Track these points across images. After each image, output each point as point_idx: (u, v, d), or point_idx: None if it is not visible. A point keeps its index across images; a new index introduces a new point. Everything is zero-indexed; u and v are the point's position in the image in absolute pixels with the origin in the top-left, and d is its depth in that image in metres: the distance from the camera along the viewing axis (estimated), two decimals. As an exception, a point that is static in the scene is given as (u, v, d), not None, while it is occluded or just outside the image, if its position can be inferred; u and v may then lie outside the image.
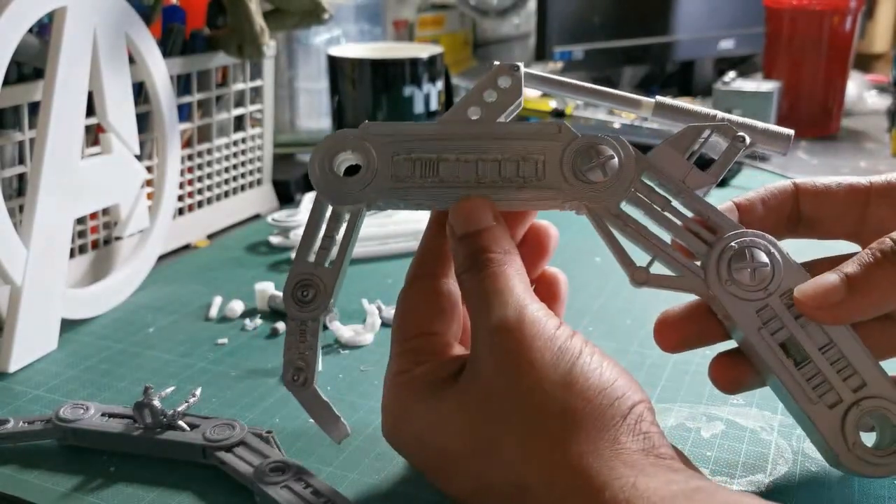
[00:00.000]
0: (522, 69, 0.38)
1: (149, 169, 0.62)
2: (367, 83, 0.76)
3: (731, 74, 1.02)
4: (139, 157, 0.59)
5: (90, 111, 0.54)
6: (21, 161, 0.53)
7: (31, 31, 0.50)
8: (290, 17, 0.71)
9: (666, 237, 0.36)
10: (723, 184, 0.80)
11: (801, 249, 0.38)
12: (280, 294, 0.56)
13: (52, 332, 0.51)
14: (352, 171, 0.37)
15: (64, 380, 0.48)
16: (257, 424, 0.42)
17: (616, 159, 0.36)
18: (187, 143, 0.69)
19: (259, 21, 0.67)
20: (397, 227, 0.67)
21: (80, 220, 0.57)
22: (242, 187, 0.76)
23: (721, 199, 0.38)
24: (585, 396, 0.31)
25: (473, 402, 0.33)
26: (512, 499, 0.31)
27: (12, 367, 0.48)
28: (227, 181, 0.74)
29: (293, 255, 0.38)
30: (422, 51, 0.79)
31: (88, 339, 0.53)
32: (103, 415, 0.41)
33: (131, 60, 0.57)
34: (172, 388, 0.43)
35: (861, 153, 0.99)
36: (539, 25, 1.10)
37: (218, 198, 0.73)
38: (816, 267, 0.36)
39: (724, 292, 0.35)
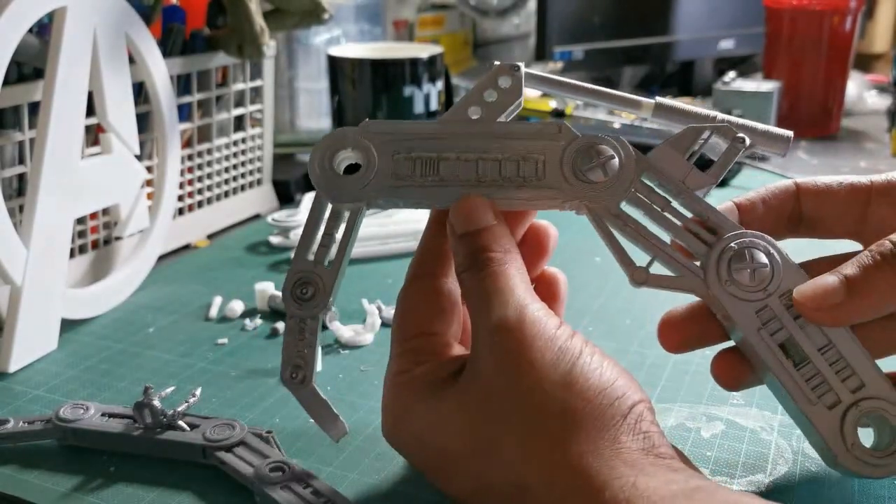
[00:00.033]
0: (523, 69, 0.38)
1: (149, 169, 0.62)
2: (367, 83, 0.76)
3: (731, 74, 1.02)
4: (139, 157, 0.59)
5: (90, 111, 0.54)
6: (21, 161, 0.53)
7: (31, 31, 0.50)
8: (290, 17, 0.71)
9: (665, 237, 0.36)
10: (723, 184, 0.80)
11: (801, 249, 0.38)
12: (280, 294, 0.56)
13: (52, 332, 0.51)
14: (352, 169, 0.37)
15: (64, 380, 0.48)
16: (257, 424, 0.42)
17: (616, 159, 0.36)
18: (187, 143, 0.69)
19: (259, 21, 0.67)
20: (397, 227, 0.67)
21: (80, 220, 0.57)
22: (242, 187, 0.76)
23: (721, 199, 0.38)
24: (585, 396, 0.31)
25: (473, 402, 0.33)
26: (512, 498, 0.32)
27: (12, 367, 0.48)
28: (227, 181, 0.74)
29: (293, 254, 0.38)
30: (422, 51, 0.79)
31: (88, 339, 0.53)
32: (103, 415, 0.41)
33: (131, 60, 0.57)
34: (172, 388, 0.43)
35: (861, 153, 0.99)
36: (539, 25, 1.10)
37: (218, 198, 0.73)
38: (816, 267, 0.36)
39: (724, 292, 0.35)
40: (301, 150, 0.92)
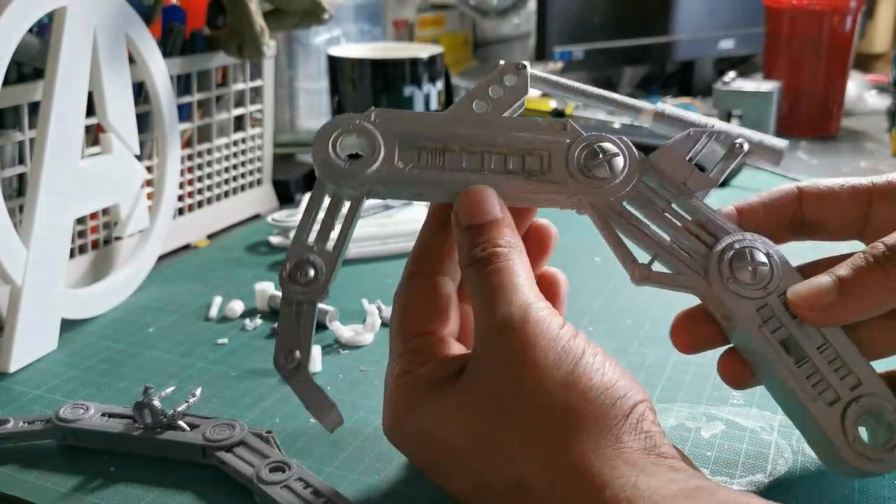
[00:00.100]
0: (529, 68, 0.39)
1: (149, 169, 0.62)
2: (367, 83, 0.76)
3: (731, 74, 1.02)
4: (139, 157, 0.59)
5: (90, 111, 0.54)
6: (21, 161, 0.53)
7: (31, 31, 0.50)
8: (290, 17, 0.71)
9: (666, 237, 0.36)
10: (723, 184, 0.80)
11: (802, 249, 0.39)
12: (280, 294, 0.56)
13: (52, 332, 0.51)
14: (355, 158, 0.37)
15: (64, 380, 0.48)
16: (257, 424, 0.42)
17: (620, 157, 0.36)
18: (187, 143, 0.69)
19: (259, 21, 0.67)
20: (397, 227, 0.67)
21: (80, 220, 0.57)
22: (242, 187, 0.76)
23: (722, 199, 0.38)
24: (588, 396, 0.31)
25: (475, 401, 0.33)
26: (513, 497, 0.32)
27: (12, 367, 0.48)
28: (227, 181, 0.74)
29: (291, 238, 0.37)
30: (422, 51, 0.79)
31: (88, 339, 0.53)
32: (103, 415, 0.41)
33: (131, 60, 0.57)
34: (172, 388, 0.43)
35: (861, 153, 0.99)
36: (539, 25, 1.10)
37: (218, 198, 0.73)
38: (816, 267, 0.36)
39: (726, 290, 0.35)
40: (301, 150, 0.92)
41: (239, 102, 0.73)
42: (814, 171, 0.91)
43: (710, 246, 0.36)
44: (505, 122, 0.37)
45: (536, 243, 0.40)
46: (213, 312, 0.56)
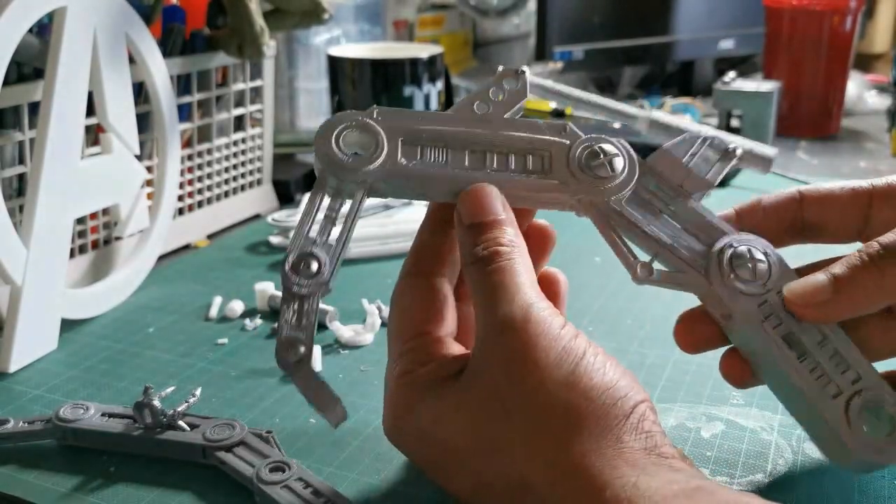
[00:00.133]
0: (528, 73, 0.39)
1: (149, 169, 0.62)
2: (367, 83, 0.76)
3: (731, 74, 1.02)
4: (139, 157, 0.59)
5: (90, 111, 0.54)
6: (21, 161, 0.53)
7: (31, 31, 0.50)
8: (290, 17, 0.71)
9: (666, 237, 0.37)
10: (723, 184, 0.80)
11: (802, 251, 0.39)
12: (280, 294, 0.56)
13: (52, 332, 0.51)
14: (357, 156, 0.37)
15: (64, 380, 0.48)
16: (257, 424, 0.42)
17: (620, 157, 0.37)
18: (187, 143, 0.69)
19: (259, 21, 0.67)
20: (397, 227, 0.67)
21: (80, 220, 0.57)
22: (242, 187, 0.76)
23: (721, 199, 0.38)
24: (589, 396, 0.31)
25: (476, 400, 0.33)
26: (513, 497, 0.32)
27: (12, 367, 0.48)
28: (227, 181, 0.74)
29: (292, 234, 0.36)
30: (422, 51, 0.79)
31: (88, 339, 0.53)
32: (103, 415, 0.41)
33: (131, 60, 0.57)
34: (172, 388, 0.43)
35: (861, 153, 0.99)
36: (539, 25, 1.10)
37: (218, 198, 0.73)
38: (814, 269, 0.36)
39: (726, 288, 0.35)
40: (301, 150, 0.92)
41: (239, 102, 0.73)
42: (814, 171, 0.91)
43: (708, 245, 0.36)
44: (506, 123, 0.38)
45: (535, 244, 0.40)
46: (213, 312, 0.56)
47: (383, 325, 0.53)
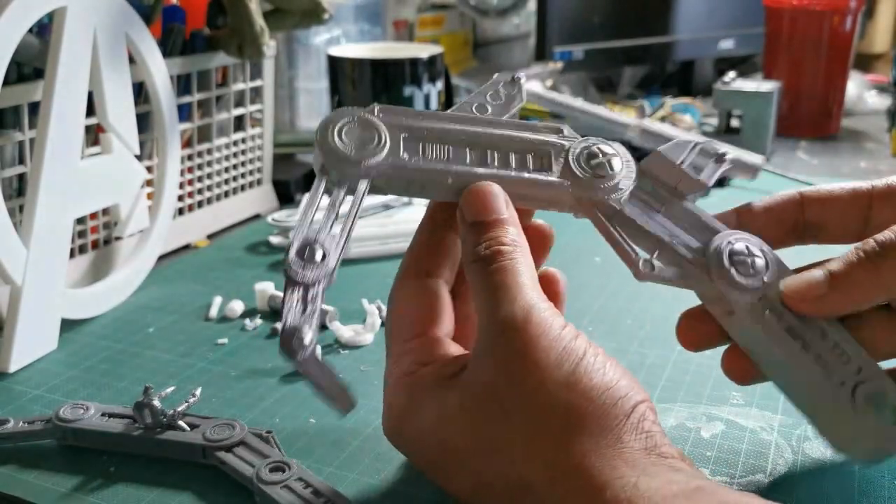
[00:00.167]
0: (523, 79, 0.40)
1: (149, 169, 0.62)
2: (367, 83, 0.76)
3: (731, 74, 1.02)
4: (139, 157, 0.59)
5: (90, 111, 0.54)
6: (21, 161, 0.53)
7: (31, 31, 0.50)
8: (290, 17, 0.71)
9: (665, 236, 0.37)
10: (722, 184, 0.80)
11: (803, 251, 0.39)
12: (280, 294, 0.56)
13: (52, 332, 0.51)
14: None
15: (64, 380, 0.48)
16: (257, 424, 0.42)
17: (618, 158, 0.38)
18: (187, 143, 0.69)
19: (259, 21, 0.67)
20: (397, 227, 0.67)
21: (80, 220, 0.57)
22: (242, 187, 0.76)
23: (722, 199, 0.39)
24: (589, 396, 0.31)
25: (476, 401, 0.33)
26: (513, 497, 0.32)
27: (12, 367, 0.48)
28: (227, 181, 0.74)
29: (295, 225, 0.36)
30: (422, 51, 0.79)
31: (88, 339, 0.53)
32: (103, 415, 0.41)
33: (131, 60, 0.57)
34: (172, 388, 0.43)
35: (861, 153, 0.99)
36: (539, 25, 1.10)
37: (218, 198, 0.73)
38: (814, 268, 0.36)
39: (727, 282, 0.36)
40: (301, 150, 0.92)
41: (239, 102, 0.73)
42: (814, 171, 0.91)
43: (705, 243, 0.37)
44: (505, 123, 0.38)
45: (534, 244, 0.40)
46: (213, 312, 0.56)
47: (383, 325, 0.53)
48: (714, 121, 1.01)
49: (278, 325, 0.54)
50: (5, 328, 0.49)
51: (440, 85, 0.79)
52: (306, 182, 0.84)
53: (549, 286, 0.40)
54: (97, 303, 0.56)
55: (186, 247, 0.69)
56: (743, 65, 1.33)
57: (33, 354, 0.50)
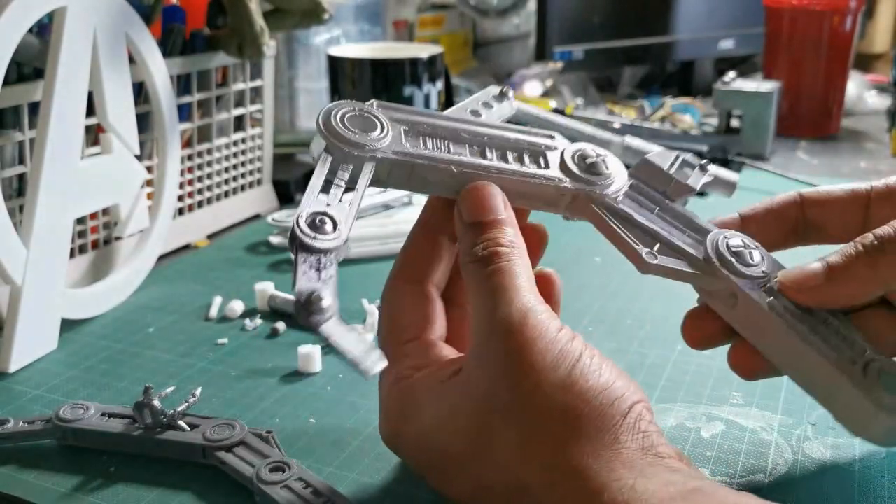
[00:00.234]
0: (511, 94, 0.42)
1: (149, 169, 0.62)
2: (367, 83, 0.76)
3: (731, 74, 1.02)
4: (139, 157, 0.59)
5: (90, 111, 0.54)
6: (21, 161, 0.53)
7: (31, 31, 0.50)
8: (290, 17, 0.71)
9: (663, 232, 0.38)
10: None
11: (803, 250, 0.39)
12: (280, 294, 0.56)
13: (52, 332, 0.51)
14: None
15: (64, 380, 0.48)
16: (257, 424, 0.42)
17: (611, 157, 0.39)
18: (187, 143, 0.69)
19: (259, 21, 0.67)
20: (397, 227, 0.67)
21: (80, 220, 0.57)
22: (242, 187, 0.76)
23: (724, 198, 0.38)
24: (585, 398, 0.31)
25: (473, 403, 0.33)
26: (511, 500, 0.31)
27: (12, 367, 0.48)
28: (227, 181, 0.74)
29: (300, 202, 0.34)
30: (422, 51, 0.79)
31: (88, 339, 0.53)
32: (103, 415, 0.41)
33: (131, 60, 0.57)
34: (172, 388, 0.43)
35: (861, 153, 0.99)
36: (539, 25, 1.10)
37: (218, 198, 0.73)
38: None
39: (731, 271, 0.36)
40: (301, 150, 0.92)
41: (239, 102, 0.73)
42: (814, 171, 0.91)
43: (701, 242, 0.38)
44: (501, 125, 0.39)
45: (529, 245, 0.40)
46: (213, 312, 0.56)
47: (383, 325, 0.53)
48: (714, 121, 1.01)
49: (278, 325, 0.54)
50: (5, 328, 0.49)
51: (440, 85, 0.79)
52: (306, 182, 0.83)
53: (544, 287, 0.40)
54: (97, 303, 0.56)
55: (186, 247, 0.69)
56: (743, 65, 1.33)
57: (33, 354, 0.50)
